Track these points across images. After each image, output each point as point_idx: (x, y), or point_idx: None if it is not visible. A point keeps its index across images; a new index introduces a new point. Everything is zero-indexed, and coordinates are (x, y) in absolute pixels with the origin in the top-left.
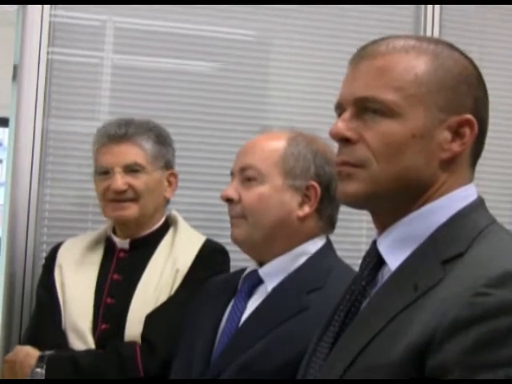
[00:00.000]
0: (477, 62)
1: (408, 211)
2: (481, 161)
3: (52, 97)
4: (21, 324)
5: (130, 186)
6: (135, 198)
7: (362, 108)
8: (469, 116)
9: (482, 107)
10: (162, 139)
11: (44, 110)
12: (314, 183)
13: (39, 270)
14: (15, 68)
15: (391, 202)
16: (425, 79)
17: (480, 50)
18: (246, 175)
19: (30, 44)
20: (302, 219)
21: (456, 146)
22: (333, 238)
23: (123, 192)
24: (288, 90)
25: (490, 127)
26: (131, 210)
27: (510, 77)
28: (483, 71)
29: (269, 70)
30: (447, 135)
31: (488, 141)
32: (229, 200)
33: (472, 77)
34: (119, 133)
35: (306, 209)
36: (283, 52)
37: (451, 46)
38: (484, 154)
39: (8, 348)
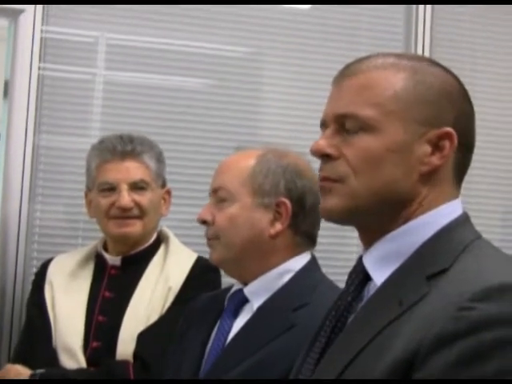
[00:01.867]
0: (468, 77)
1: (392, 227)
2: (470, 177)
3: (43, 113)
4: (10, 341)
5: (136, 204)
6: (140, 216)
7: (343, 125)
8: (448, 129)
9: (466, 121)
10: (160, 157)
11: (35, 126)
12: (285, 199)
13: (29, 287)
14: (6, 84)
15: (373, 217)
16: (403, 95)
17: (471, 66)
18: (219, 196)
19: (22, 60)
20: (274, 237)
21: (436, 159)
22: (324, 254)
23: (129, 209)
24: (278, 106)
25: (480, 142)
26: (136, 227)
27: (500, 94)
28: (474, 86)
29: (258, 86)
30: (427, 149)
31: (477, 157)
32: (204, 222)
33: (454, 91)
34: (126, 149)
35: (278, 226)
36: (273, 68)
37: (433, 62)
38: (473, 170)
39: None
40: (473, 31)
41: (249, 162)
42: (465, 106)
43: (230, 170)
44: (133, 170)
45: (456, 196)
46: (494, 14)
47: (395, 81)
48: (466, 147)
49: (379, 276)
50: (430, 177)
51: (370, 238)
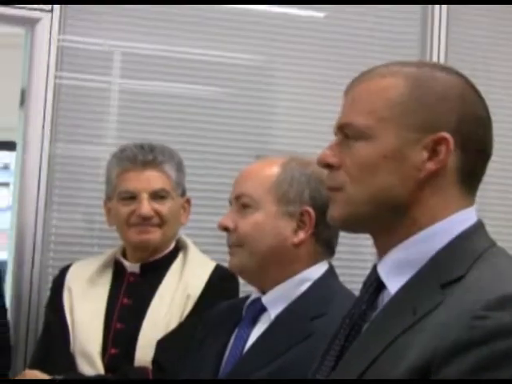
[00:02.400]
0: (483, 82)
1: (405, 235)
2: (484, 185)
3: (59, 121)
4: (26, 348)
5: (156, 212)
6: (160, 224)
7: (346, 134)
8: (444, 134)
9: (472, 124)
10: (180, 166)
11: (51, 135)
12: (309, 208)
13: (45, 294)
14: (23, 92)
15: (376, 224)
16: (398, 101)
17: (486, 67)
18: (242, 203)
19: (38, 68)
20: (298, 245)
21: (431, 165)
22: (339, 262)
23: (150, 217)
24: (292, 114)
25: (496, 149)
26: (155, 235)
27: None
28: (489, 90)
29: (273, 94)
30: (424, 155)
31: (492, 164)
32: (225, 229)
33: (456, 95)
34: (147, 159)
35: (301, 235)
36: (287, 77)
37: (438, 67)
38: (488, 177)
39: (14, 371)
40: (489, 32)
41: (273, 169)
42: (472, 108)
43: (254, 178)
44: (153, 179)
45: (468, 203)
46: (509, 14)
47: (391, 88)
48: (473, 151)
49: (393, 284)
50: (428, 183)
51: (383, 247)
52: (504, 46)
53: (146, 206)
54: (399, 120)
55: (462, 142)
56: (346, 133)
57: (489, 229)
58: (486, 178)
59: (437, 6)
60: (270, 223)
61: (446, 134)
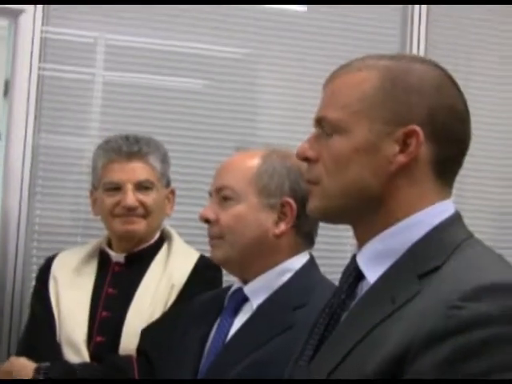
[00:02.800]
0: (463, 79)
1: (382, 226)
2: (462, 178)
3: (43, 112)
4: (9, 337)
5: (141, 203)
6: (145, 215)
7: (322, 128)
8: (414, 126)
9: (446, 115)
10: (165, 158)
11: (35, 125)
12: (290, 200)
13: (29, 283)
14: (6, 83)
15: (351, 215)
16: (370, 94)
17: (467, 69)
18: (223, 195)
19: (22, 59)
20: (279, 236)
21: (402, 158)
22: (321, 253)
23: (134, 208)
24: (274, 107)
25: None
26: (140, 226)
27: (493, 95)
28: (468, 88)
29: (255, 87)
30: (395, 147)
31: (469, 158)
32: (207, 221)
33: (431, 86)
34: (132, 150)
35: (282, 226)
36: (270, 70)
37: (415, 59)
38: (466, 170)
39: None
40: (468, 33)
41: (254, 162)
42: (447, 101)
43: (236, 170)
44: (138, 170)
45: (444, 195)
46: (489, 15)
47: (364, 81)
48: (447, 143)
49: (372, 274)
50: (401, 175)
51: (362, 238)
52: (481, 47)
53: (131, 197)
54: (371, 113)
55: (435, 134)
56: (323, 126)
57: (466, 221)
58: (463, 172)
59: (417, 6)
60: (252, 215)
61: (416, 127)
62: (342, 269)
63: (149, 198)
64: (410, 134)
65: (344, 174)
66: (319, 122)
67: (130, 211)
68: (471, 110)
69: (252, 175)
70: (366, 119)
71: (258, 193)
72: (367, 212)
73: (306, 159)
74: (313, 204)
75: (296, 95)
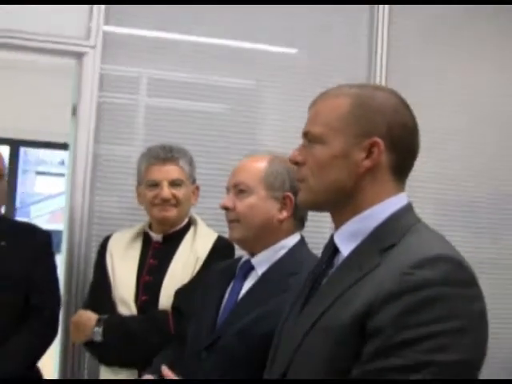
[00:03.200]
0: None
1: (352, 213)
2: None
3: (100, 129)
4: (76, 295)
5: (173, 196)
6: (176, 205)
7: (308, 139)
8: (376, 139)
9: (398, 130)
10: (191, 161)
11: (95, 139)
12: (289, 194)
13: (91, 256)
14: (74, 107)
15: (330, 205)
16: (344, 115)
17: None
18: (238, 189)
19: (85, 89)
20: (281, 221)
21: (367, 163)
22: (307, 233)
23: (168, 199)
24: (274, 124)
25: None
26: (173, 213)
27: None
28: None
29: (260, 110)
30: (362, 155)
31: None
32: (226, 208)
33: (388, 108)
34: (167, 156)
35: (284, 213)
36: (271, 97)
37: (377, 88)
38: (418, 173)
39: (69, 313)
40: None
41: (262, 164)
42: (401, 119)
43: (248, 170)
44: (171, 171)
45: (400, 190)
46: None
47: (340, 105)
48: (400, 151)
49: (345, 249)
50: (367, 176)
51: (338, 221)
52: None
53: (166, 191)
54: (345, 129)
55: (392, 145)
56: (309, 138)
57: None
58: (423, 175)
59: (379, 41)
60: (261, 204)
61: (378, 139)
62: (322, 245)
63: (179, 192)
64: (373, 144)
65: (325, 175)
66: (306, 134)
67: (165, 202)
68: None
69: (261, 174)
70: (341, 134)
71: (266, 188)
72: (342, 203)
73: (296, 163)
74: (301, 197)
75: (290, 116)
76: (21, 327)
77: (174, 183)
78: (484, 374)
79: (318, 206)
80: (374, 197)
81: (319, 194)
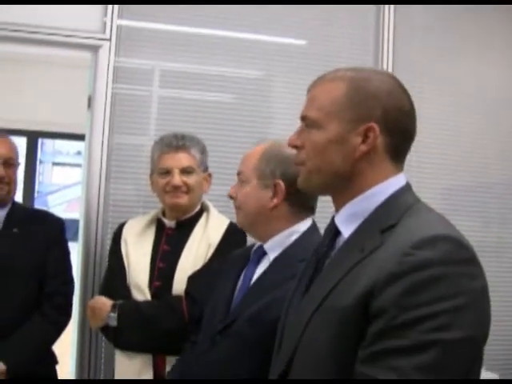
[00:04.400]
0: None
1: (351, 195)
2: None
3: (115, 119)
4: (93, 281)
5: (184, 183)
6: (187, 191)
7: (305, 124)
8: (372, 124)
9: (394, 114)
10: (204, 150)
11: (109, 129)
12: (280, 181)
13: (106, 242)
14: (89, 99)
15: (328, 188)
16: (339, 100)
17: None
18: (240, 178)
19: (100, 81)
20: (273, 208)
21: (363, 147)
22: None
23: (180, 187)
24: (284, 113)
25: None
26: (184, 199)
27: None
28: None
29: (270, 99)
30: (359, 139)
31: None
32: (231, 197)
33: (382, 92)
34: (178, 144)
35: (275, 201)
36: (281, 86)
37: (374, 71)
38: (422, 158)
39: (85, 299)
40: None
41: (257, 153)
42: (397, 102)
43: (247, 159)
44: (183, 159)
45: (398, 171)
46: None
47: (335, 89)
48: (397, 134)
49: (346, 231)
50: (364, 160)
51: (339, 204)
52: (438, 59)
53: (177, 179)
54: (340, 114)
55: (388, 129)
56: (306, 122)
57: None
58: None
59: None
60: (254, 193)
61: (374, 124)
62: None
63: (190, 180)
64: (369, 129)
65: (321, 158)
66: (303, 119)
67: (176, 189)
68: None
69: (254, 163)
70: (336, 118)
71: (257, 177)
72: (340, 186)
73: (294, 147)
74: (300, 180)
75: (300, 106)
76: (33, 314)
77: (185, 171)
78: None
79: (317, 190)
80: (372, 179)
81: (316, 177)
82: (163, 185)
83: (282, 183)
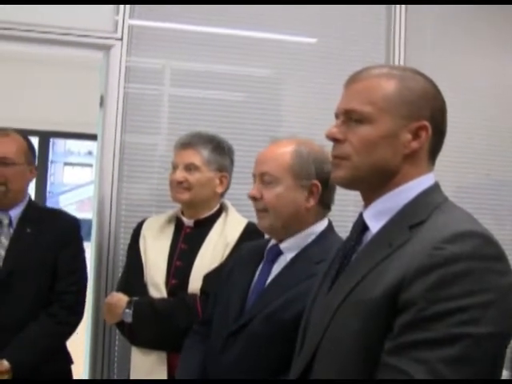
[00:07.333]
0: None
1: (384, 191)
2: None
3: (127, 118)
4: (106, 279)
5: (186, 179)
6: (188, 188)
7: (349, 117)
8: (425, 122)
9: (439, 115)
10: (219, 149)
11: (122, 128)
12: (316, 181)
13: (119, 241)
14: (102, 98)
15: (369, 184)
16: (391, 96)
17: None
18: (265, 179)
19: (112, 80)
20: (309, 209)
21: (415, 144)
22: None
23: (181, 182)
24: (293, 111)
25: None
26: (184, 196)
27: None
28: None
29: (281, 97)
30: (409, 136)
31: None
32: (253, 198)
33: (430, 94)
34: (185, 141)
35: (312, 201)
36: (291, 84)
37: (416, 72)
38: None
39: (99, 297)
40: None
41: (288, 152)
42: (439, 103)
43: (274, 159)
44: (187, 156)
45: (430, 170)
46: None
47: (386, 86)
48: (439, 135)
49: (374, 226)
50: (410, 157)
51: (368, 200)
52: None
53: (179, 174)
54: (393, 110)
55: (434, 129)
56: (350, 116)
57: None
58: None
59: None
60: (289, 194)
61: (427, 123)
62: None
63: (192, 177)
64: (421, 128)
65: (371, 153)
66: (347, 112)
67: (178, 184)
68: None
69: (288, 164)
70: (388, 114)
71: (293, 177)
72: (380, 182)
73: (335, 140)
74: (339, 174)
75: (310, 104)
76: (41, 313)
77: (187, 167)
78: None
79: (356, 184)
80: (409, 176)
81: (362, 172)
82: (170, 180)
83: (318, 183)
